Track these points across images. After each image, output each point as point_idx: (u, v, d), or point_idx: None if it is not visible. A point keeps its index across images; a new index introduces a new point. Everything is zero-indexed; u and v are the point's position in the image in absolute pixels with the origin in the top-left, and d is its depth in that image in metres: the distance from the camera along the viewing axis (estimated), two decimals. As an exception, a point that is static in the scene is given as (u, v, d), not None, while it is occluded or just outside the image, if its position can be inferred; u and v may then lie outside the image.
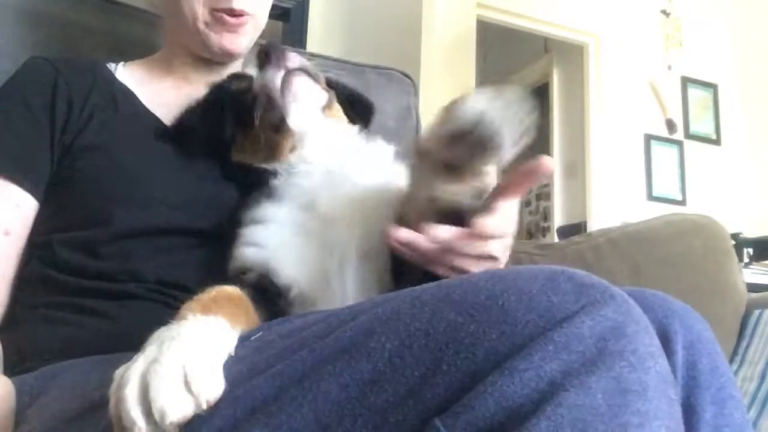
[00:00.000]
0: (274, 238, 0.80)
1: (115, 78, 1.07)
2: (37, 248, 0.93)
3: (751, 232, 3.33)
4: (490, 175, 0.72)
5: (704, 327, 0.74)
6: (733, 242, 1.43)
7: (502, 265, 0.77)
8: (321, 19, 2.89)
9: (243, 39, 1.09)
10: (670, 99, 4.61)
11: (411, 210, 0.75)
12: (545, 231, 5.26)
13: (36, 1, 1.24)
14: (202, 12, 1.05)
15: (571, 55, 4.74)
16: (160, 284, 0.87)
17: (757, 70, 4.71)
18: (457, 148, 0.67)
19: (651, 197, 4.42)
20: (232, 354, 0.59)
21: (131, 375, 0.52)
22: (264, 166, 0.89)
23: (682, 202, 4.48)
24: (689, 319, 0.73)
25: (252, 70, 0.94)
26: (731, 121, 4.76)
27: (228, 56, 1.10)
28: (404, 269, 0.77)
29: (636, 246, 1.42)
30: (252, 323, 0.70)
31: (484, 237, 0.73)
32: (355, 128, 0.98)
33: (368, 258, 0.80)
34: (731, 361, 1.34)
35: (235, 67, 1.14)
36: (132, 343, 0.58)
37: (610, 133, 4.43)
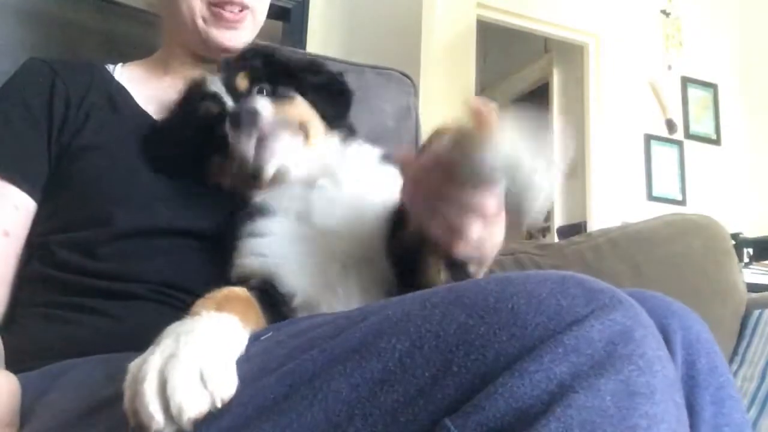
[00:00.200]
0: (274, 248, 0.81)
1: (113, 78, 1.08)
2: (37, 248, 0.93)
3: (751, 232, 3.33)
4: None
5: (703, 327, 0.75)
6: (733, 242, 1.43)
7: (493, 237, 0.72)
8: (321, 19, 2.90)
9: (242, 35, 1.10)
10: (670, 99, 4.61)
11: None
12: (545, 231, 5.26)
13: (35, 1, 1.25)
14: (200, 8, 1.06)
15: (571, 55, 4.73)
16: (161, 285, 0.87)
17: (757, 70, 4.71)
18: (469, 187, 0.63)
19: (651, 197, 4.42)
20: (243, 353, 0.59)
21: (149, 369, 0.53)
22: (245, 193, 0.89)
23: (682, 202, 4.48)
24: (688, 320, 0.74)
25: (216, 84, 0.92)
26: (731, 121, 4.76)
27: (227, 54, 1.10)
28: (407, 269, 0.78)
29: (636, 246, 1.42)
30: (260, 324, 0.71)
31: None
32: (335, 139, 0.94)
33: (370, 261, 0.81)
34: (731, 361, 1.34)
35: None
36: (132, 342, 0.58)
37: (610, 133, 4.43)
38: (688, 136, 4.63)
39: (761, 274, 3.03)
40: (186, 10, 1.06)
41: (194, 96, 0.94)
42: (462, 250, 0.69)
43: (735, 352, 1.35)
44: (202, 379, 0.53)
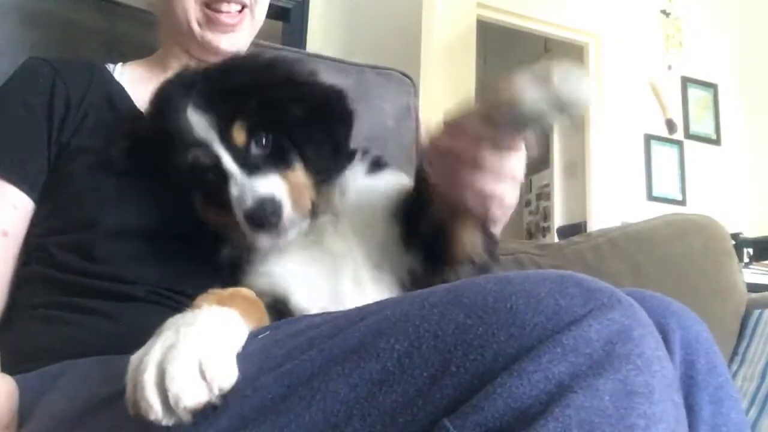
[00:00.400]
0: (282, 269, 0.81)
1: (113, 78, 1.07)
2: (35, 249, 0.93)
3: (751, 232, 3.33)
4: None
5: (702, 327, 0.75)
6: (733, 242, 1.43)
7: (513, 198, 0.77)
8: (321, 19, 2.90)
9: (240, 37, 1.08)
10: (670, 99, 4.61)
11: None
12: (545, 231, 5.26)
13: (35, 1, 1.25)
14: (194, 10, 1.04)
15: (571, 55, 4.73)
16: (159, 287, 0.86)
17: (757, 70, 4.71)
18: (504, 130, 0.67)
19: (651, 197, 4.43)
20: (241, 350, 0.59)
21: (149, 361, 0.54)
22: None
23: (682, 202, 4.49)
24: (687, 320, 0.74)
25: (202, 126, 0.80)
26: (731, 121, 4.76)
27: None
28: (436, 248, 0.79)
29: (636, 246, 1.42)
30: (265, 323, 0.71)
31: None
32: (333, 186, 0.86)
33: (382, 270, 0.81)
34: (731, 360, 1.34)
35: None
36: (131, 343, 0.58)
37: (610, 133, 4.43)
38: (688, 136, 4.63)
39: (761, 274, 3.03)
40: (181, 12, 1.04)
41: (171, 131, 0.81)
42: (494, 212, 0.75)
43: (735, 352, 1.35)
44: (200, 369, 0.53)
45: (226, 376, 0.54)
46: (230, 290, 0.71)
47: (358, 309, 0.60)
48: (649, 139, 4.50)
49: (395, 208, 0.83)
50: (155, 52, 1.17)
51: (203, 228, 0.86)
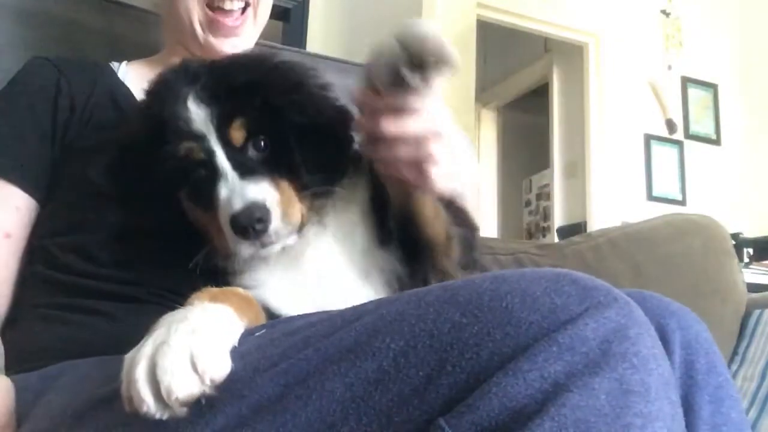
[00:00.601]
0: (267, 285, 0.79)
1: (117, 78, 1.07)
2: (38, 250, 0.93)
3: (751, 232, 3.33)
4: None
5: (702, 327, 0.75)
6: (733, 242, 1.43)
7: (444, 155, 0.75)
8: (321, 19, 2.89)
9: (243, 41, 1.07)
10: (670, 99, 4.61)
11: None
12: (545, 231, 5.26)
13: (36, 1, 1.25)
14: (197, 12, 1.04)
15: (571, 55, 4.73)
16: (161, 288, 0.86)
17: (757, 70, 4.71)
18: (398, 86, 0.68)
19: (651, 197, 4.42)
20: (237, 348, 0.59)
21: (141, 356, 0.54)
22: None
23: (682, 202, 4.48)
24: (687, 320, 0.74)
25: (200, 119, 0.77)
26: (731, 121, 4.76)
27: None
28: (412, 241, 0.79)
29: (636, 246, 1.42)
30: (260, 321, 0.71)
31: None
32: (322, 202, 0.83)
33: (371, 277, 0.81)
34: (731, 360, 1.34)
35: None
36: (132, 344, 0.58)
37: (610, 133, 4.43)
38: (688, 136, 4.63)
39: (761, 274, 3.03)
40: (183, 13, 1.04)
41: (167, 119, 0.78)
42: (437, 176, 0.73)
43: (735, 352, 1.35)
44: (192, 361, 0.53)
45: (217, 367, 0.55)
46: (224, 288, 0.71)
47: (354, 308, 0.60)
48: (649, 139, 4.50)
49: (370, 209, 0.83)
50: (157, 52, 1.17)
51: (194, 237, 0.83)
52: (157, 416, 0.53)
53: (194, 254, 0.79)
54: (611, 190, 4.37)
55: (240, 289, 0.75)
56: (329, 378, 0.54)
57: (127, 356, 0.56)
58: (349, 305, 0.74)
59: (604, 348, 0.50)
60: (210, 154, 0.76)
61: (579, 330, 0.50)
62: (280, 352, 0.58)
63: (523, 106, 5.70)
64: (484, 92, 5.59)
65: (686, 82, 4.69)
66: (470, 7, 3.33)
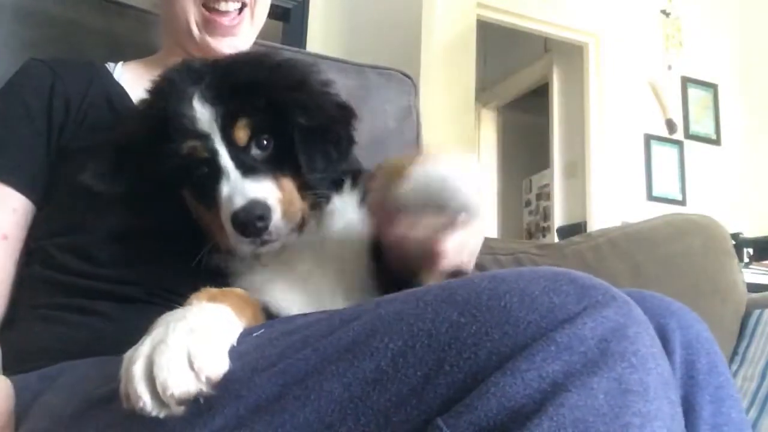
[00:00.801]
0: (269, 283, 0.80)
1: (113, 78, 1.07)
2: (36, 251, 0.93)
3: (751, 232, 3.33)
4: None
5: (702, 327, 0.75)
6: (733, 242, 1.43)
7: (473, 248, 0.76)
8: (321, 19, 2.89)
9: (240, 41, 1.07)
10: (670, 99, 4.61)
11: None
12: (545, 231, 5.26)
13: (35, 0, 1.24)
14: (194, 12, 1.04)
15: (571, 55, 4.73)
16: (160, 288, 0.86)
17: (757, 70, 4.71)
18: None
19: (651, 197, 4.42)
20: (235, 348, 0.59)
21: (139, 355, 0.55)
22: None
23: (682, 202, 4.48)
24: (687, 319, 0.74)
25: (205, 118, 0.77)
26: (731, 121, 4.76)
27: None
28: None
29: (636, 246, 1.42)
30: (259, 321, 0.71)
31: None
32: (322, 205, 0.83)
33: (365, 283, 0.80)
34: (731, 360, 1.34)
35: None
36: (131, 344, 0.58)
37: (610, 133, 4.43)
38: (688, 136, 4.63)
39: (761, 274, 3.03)
40: (180, 13, 1.04)
41: (171, 118, 0.78)
42: (447, 261, 0.72)
43: (735, 352, 1.35)
44: (189, 359, 0.54)
45: (214, 365, 0.55)
46: (223, 288, 0.71)
47: (352, 308, 0.60)
48: (649, 139, 4.50)
49: (370, 243, 0.81)
50: (155, 52, 1.17)
51: (196, 234, 0.84)
52: (154, 414, 0.53)
53: (194, 253, 0.80)
54: (611, 190, 4.36)
55: (239, 290, 0.75)
56: (327, 378, 0.54)
57: (126, 355, 0.56)
58: (338, 298, 0.75)
59: (602, 347, 0.49)
60: (213, 153, 0.76)
61: (577, 329, 0.50)
62: (278, 352, 0.58)
63: (523, 106, 5.70)
64: (484, 92, 5.59)
65: (686, 82, 4.69)
66: (470, 7, 3.33)
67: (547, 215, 5.24)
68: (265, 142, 0.79)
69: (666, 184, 4.49)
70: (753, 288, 1.44)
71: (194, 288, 0.69)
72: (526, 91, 5.49)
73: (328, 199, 0.82)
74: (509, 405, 0.48)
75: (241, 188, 0.74)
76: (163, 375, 0.52)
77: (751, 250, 3.07)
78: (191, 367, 0.53)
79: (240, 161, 0.76)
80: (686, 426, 0.66)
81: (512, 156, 5.82)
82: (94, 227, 0.90)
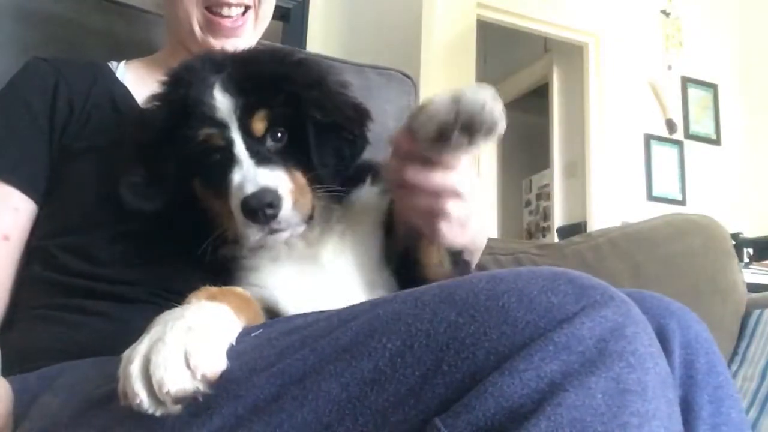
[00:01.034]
0: (275, 282, 0.80)
1: (116, 78, 1.07)
2: (38, 251, 0.93)
3: (751, 232, 3.33)
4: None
5: (702, 327, 0.75)
6: (733, 242, 1.43)
7: (463, 214, 0.76)
8: (321, 19, 2.90)
9: (243, 41, 1.07)
10: (670, 99, 4.60)
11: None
12: (545, 231, 5.26)
13: (36, 0, 1.24)
14: (196, 14, 1.03)
15: (571, 55, 4.73)
16: (161, 289, 0.86)
17: (757, 70, 4.71)
18: (441, 142, 0.68)
19: (651, 197, 4.42)
20: (234, 348, 0.59)
21: (136, 353, 0.55)
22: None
23: (682, 202, 4.48)
24: (687, 320, 0.74)
25: (224, 107, 0.78)
26: (731, 121, 4.76)
27: None
28: (410, 273, 0.79)
29: (636, 246, 1.42)
30: (260, 320, 0.72)
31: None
32: (333, 200, 0.83)
33: (375, 287, 0.81)
34: (731, 360, 1.34)
35: None
36: (131, 344, 0.58)
37: (610, 133, 4.43)
38: (688, 136, 4.63)
39: (761, 274, 3.02)
40: (182, 14, 1.04)
41: (191, 105, 0.79)
42: (447, 231, 0.73)
43: (735, 352, 1.35)
44: (185, 357, 0.54)
45: (210, 364, 0.55)
46: (222, 288, 0.71)
47: (350, 307, 0.60)
48: (649, 139, 4.50)
49: (384, 220, 0.83)
50: (155, 52, 1.17)
51: (202, 227, 0.84)
52: (150, 412, 0.53)
53: (199, 251, 0.80)
54: (611, 190, 4.36)
55: (239, 289, 0.75)
56: (325, 378, 0.54)
57: (124, 354, 0.57)
58: (346, 296, 0.75)
59: (600, 347, 0.49)
60: (229, 141, 0.77)
61: (575, 329, 0.50)
62: (276, 352, 0.58)
63: (523, 106, 5.70)
64: (484, 92, 5.58)
65: (686, 82, 4.69)
66: (470, 7, 3.33)
67: (547, 215, 5.24)
68: (279, 135, 0.80)
69: (666, 184, 4.49)
70: (753, 288, 1.45)
71: (194, 287, 0.69)
72: (526, 91, 5.49)
73: (339, 195, 0.82)
74: (507, 405, 0.48)
75: (254, 176, 0.75)
76: (159, 373, 0.53)
77: (751, 250, 3.07)
78: (187, 365, 0.54)
79: (254, 151, 0.77)
80: (685, 426, 0.66)
81: (512, 156, 5.82)
82: (96, 227, 0.90)
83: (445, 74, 2.93)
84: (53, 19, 1.25)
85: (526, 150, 5.75)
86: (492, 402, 0.48)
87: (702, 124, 4.69)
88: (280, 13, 2.49)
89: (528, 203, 5.71)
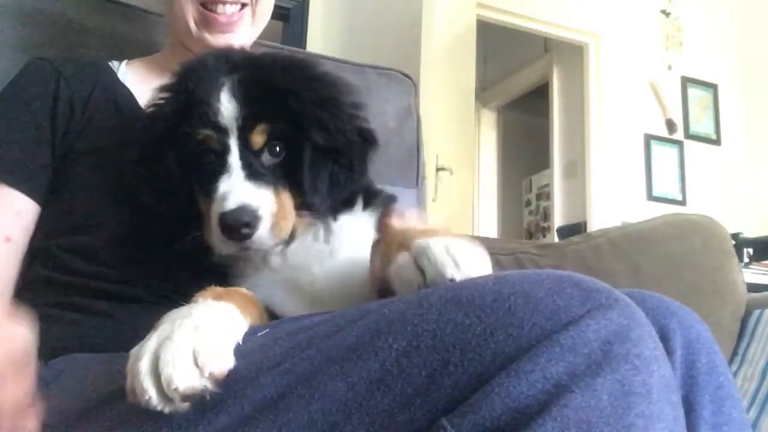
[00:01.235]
0: (272, 289, 0.80)
1: (117, 78, 1.07)
2: (39, 251, 0.93)
3: (751, 232, 3.32)
4: None
5: (703, 327, 0.75)
6: (733, 242, 1.43)
7: None
8: (321, 19, 2.90)
9: (239, 37, 1.06)
10: (670, 99, 4.60)
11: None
12: (545, 231, 5.27)
13: (36, 0, 1.24)
14: (191, 10, 1.03)
15: (571, 55, 4.73)
16: (164, 289, 0.86)
17: (757, 70, 4.71)
18: None
19: (651, 197, 4.42)
20: (241, 348, 0.60)
21: (145, 350, 0.56)
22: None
23: (682, 202, 4.48)
24: (688, 320, 0.74)
25: (227, 111, 0.77)
26: (731, 121, 4.76)
27: None
28: None
29: (636, 246, 1.42)
30: (264, 320, 0.72)
31: None
32: (321, 223, 0.83)
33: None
34: (731, 360, 1.34)
35: None
36: (133, 343, 0.58)
37: (610, 133, 4.43)
38: (688, 136, 4.63)
39: (761, 274, 3.02)
40: (178, 11, 1.04)
41: (196, 102, 0.78)
42: None
43: (735, 352, 1.35)
44: (194, 355, 0.54)
45: (218, 362, 0.55)
46: (227, 288, 0.72)
47: (357, 308, 0.60)
48: (649, 139, 4.50)
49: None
50: (156, 52, 1.17)
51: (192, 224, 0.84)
52: (159, 408, 0.54)
53: (195, 253, 0.80)
54: (611, 190, 4.36)
55: (244, 289, 0.76)
56: (332, 378, 0.54)
57: (132, 351, 0.57)
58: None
59: (605, 349, 0.50)
60: (225, 148, 0.77)
61: (581, 331, 0.50)
62: (283, 351, 0.58)
63: (523, 106, 5.70)
64: (484, 92, 5.59)
65: (686, 82, 4.68)
66: (470, 7, 3.33)
67: (547, 215, 5.24)
68: (278, 150, 0.79)
69: (666, 184, 4.49)
70: (753, 288, 1.45)
71: (196, 288, 0.69)
72: (526, 91, 5.49)
73: (326, 220, 0.82)
74: (513, 405, 0.48)
75: (238, 190, 0.74)
76: (168, 370, 0.53)
77: (751, 250, 3.07)
78: (196, 363, 0.54)
79: (248, 163, 0.76)
80: (687, 426, 0.66)
81: (512, 156, 5.83)
82: (98, 227, 0.90)
83: (445, 74, 2.93)
84: (53, 19, 1.25)
85: (526, 150, 5.75)
86: (498, 402, 0.48)
87: (702, 124, 4.69)
88: (280, 13, 2.49)
89: (528, 203, 5.71)
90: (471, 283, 0.56)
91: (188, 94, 0.79)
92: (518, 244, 1.60)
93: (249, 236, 0.73)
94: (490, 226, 5.47)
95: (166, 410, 0.54)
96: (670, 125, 4.58)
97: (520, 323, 0.51)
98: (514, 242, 1.67)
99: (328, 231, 0.82)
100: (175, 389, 0.53)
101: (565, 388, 0.48)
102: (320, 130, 0.79)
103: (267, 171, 0.77)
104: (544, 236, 5.24)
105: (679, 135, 4.60)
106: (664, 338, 0.71)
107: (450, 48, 3.05)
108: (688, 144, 4.61)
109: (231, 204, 0.73)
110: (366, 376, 0.53)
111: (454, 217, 2.90)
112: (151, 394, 0.53)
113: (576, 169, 4.62)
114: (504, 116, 5.95)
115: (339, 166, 0.81)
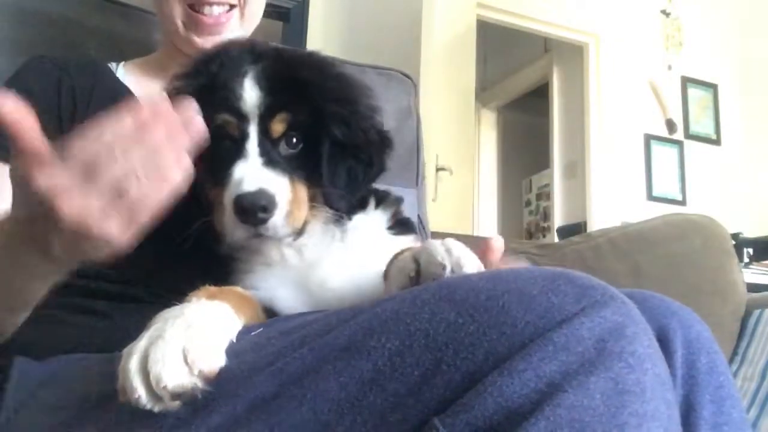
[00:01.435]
0: (268, 286, 0.79)
1: (117, 78, 1.07)
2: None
3: (751, 232, 3.32)
4: None
5: (703, 327, 0.74)
6: (733, 242, 1.43)
7: None
8: (321, 19, 2.89)
9: (228, 37, 1.03)
10: (670, 99, 4.61)
11: None
12: (545, 231, 5.27)
13: (36, 0, 1.25)
14: (178, 12, 1.04)
15: (571, 55, 4.74)
16: (164, 289, 0.86)
17: (757, 70, 4.71)
18: None
19: (651, 197, 4.42)
20: (234, 347, 0.59)
21: (136, 349, 0.55)
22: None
23: (682, 202, 4.48)
24: (688, 320, 0.74)
25: (249, 98, 0.77)
26: (731, 121, 4.76)
27: None
28: None
29: (636, 246, 1.42)
30: (260, 320, 0.72)
31: None
32: (328, 219, 0.82)
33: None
34: (731, 360, 1.34)
35: None
36: (130, 343, 0.58)
37: (610, 133, 4.43)
38: (688, 136, 4.63)
39: (761, 274, 3.02)
40: (167, 12, 1.04)
41: (219, 87, 0.78)
42: None
43: (735, 352, 1.35)
44: (183, 354, 0.54)
45: (208, 360, 0.55)
46: (222, 287, 0.71)
47: (349, 307, 0.60)
48: (649, 139, 4.50)
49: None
50: (155, 51, 1.17)
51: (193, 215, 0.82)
52: (148, 407, 0.53)
53: (195, 253, 0.79)
54: (611, 190, 4.37)
55: (239, 288, 0.75)
56: (324, 377, 0.53)
57: (124, 350, 0.57)
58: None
59: (599, 347, 0.49)
60: (244, 135, 0.76)
61: (575, 329, 0.50)
62: (275, 351, 0.58)
63: (523, 106, 5.71)
64: (484, 92, 5.59)
65: (686, 82, 4.69)
66: (470, 7, 3.33)
67: (547, 215, 5.24)
68: (295, 141, 0.78)
69: (666, 184, 4.49)
70: (753, 288, 1.45)
71: (194, 287, 0.69)
72: (526, 91, 5.50)
73: (341, 217, 0.81)
74: (506, 405, 0.48)
75: (256, 174, 0.74)
76: (157, 368, 0.53)
77: (751, 250, 3.07)
78: (185, 360, 0.54)
79: (266, 151, 0.76)
80: (687, 425, 0.66)
81: (512, 156, 5.83)
82: None
83: (445, 74, 2.94)
84: (53, 19, 1.25)
85: (526, 150, 5.75)
86: (491, 402, 0.48)
87: (702, 124, 4.70)
88: (280, 13, 2.49)
89: (528, 203, 5.72)
90: (465, 281, 0.55)
91: (211, 78, 0.79)
92: (518, 244, 1.60)
93: (264, 221, 0.72)
94: (490, 226, 5.47)
95: (156, 409, 0.53)
96: (670, 125, 4.58)
97: (514, 321, 0.50)
98: (514, 242, 1.67)
99: (343, 229, 0.82)
100: (164, 387, 0.52)
101: (558, 387, 0.48)
102: (341, 125, 0.79)
103: (283, 160, 0.77)
104: (544, 236, 5.24)
105: (679, 135, 4.60)
106: (665, 338, 0.70)
107: (450, 48, 3.05)
108: (688, 144, 4.61)
109: (249, 186, 0.72)
110: (358, 375, 0.52)
111: (454, 217, 2.90)
112: (141, 393, 0.53)
113: (576, 169, 4.62)
114: (504, 116, 5.95)
115: (357, 161, 0.81)
